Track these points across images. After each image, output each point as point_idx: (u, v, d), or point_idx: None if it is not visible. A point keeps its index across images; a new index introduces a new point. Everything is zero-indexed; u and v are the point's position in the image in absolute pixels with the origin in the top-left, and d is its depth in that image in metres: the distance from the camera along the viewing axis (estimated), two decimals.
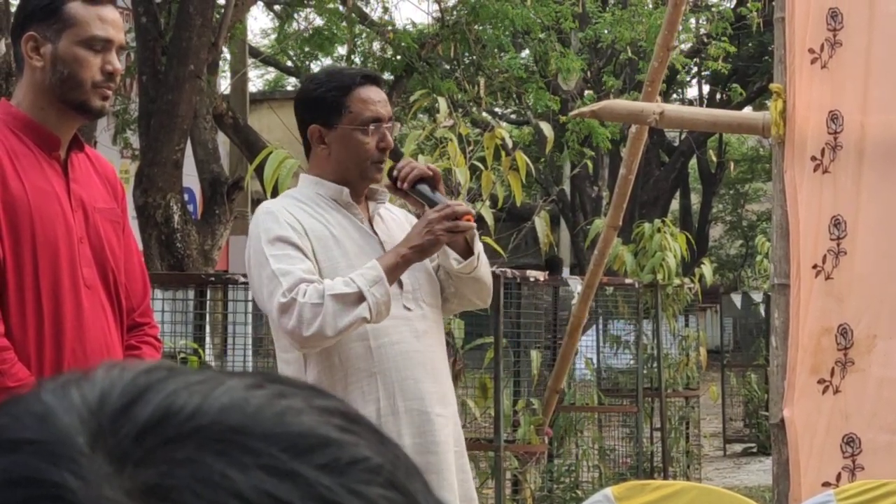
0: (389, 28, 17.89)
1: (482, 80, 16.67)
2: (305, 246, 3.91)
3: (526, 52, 19.16)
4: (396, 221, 4.15)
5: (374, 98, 4.02)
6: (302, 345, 3.84)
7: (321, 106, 4.05)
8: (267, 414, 0.64)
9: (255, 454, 0.62)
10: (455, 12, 17.20)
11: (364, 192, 4.09)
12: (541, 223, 7.85)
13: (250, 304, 8.09)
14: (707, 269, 12.00)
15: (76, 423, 0.63)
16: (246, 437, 0.62)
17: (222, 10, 12.53)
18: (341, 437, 0.65)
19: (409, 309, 3.98)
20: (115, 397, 0.64)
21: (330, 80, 4.10)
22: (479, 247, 4.04)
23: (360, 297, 3.75)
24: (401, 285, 3.97)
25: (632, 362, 11.01)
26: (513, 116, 25.83)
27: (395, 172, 4.02)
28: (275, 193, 6.22)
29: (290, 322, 3.76)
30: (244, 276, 8.05)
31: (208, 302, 8.32)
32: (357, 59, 18.32)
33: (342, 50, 19.28)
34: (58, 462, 0.61)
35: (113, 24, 3.49)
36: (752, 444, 14.81)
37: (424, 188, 3.94)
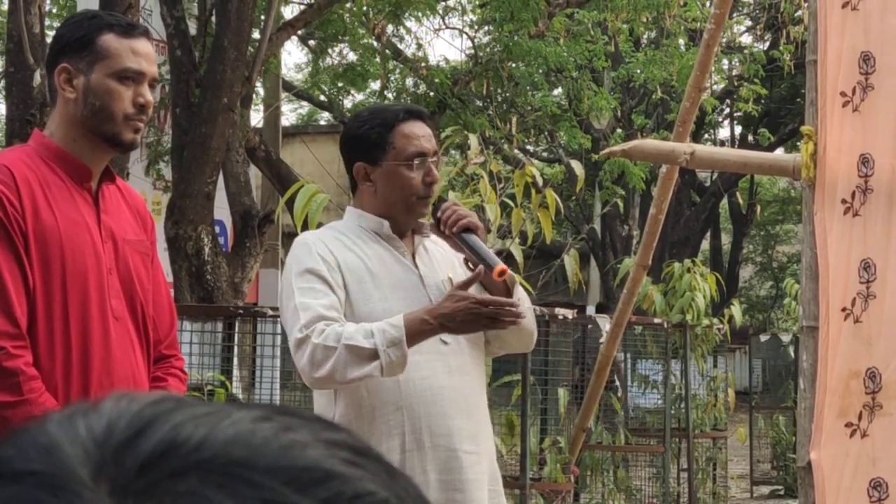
0: (423, 64, 17.95)
1: (514, 118, 16.70)
2: (335, 279, 3.89)
3: (558, 91, 19.20)
4: (441, 254, 4.10)
5: (418, 133, 4.00)
6: (310, 384, 3.84)
7: (365, 143, 4.02)
8: (272, 447, 0.64)
9: (257, 487, 0.62)
10: (488, 49, 17.25)
11: (410, 227, 4.07)
12: (570, 261, 7.84)
13: (279, 338, 8.10)
14: (736, 309, 11.97)
15: (80, 455, 0.63)
16: (249, 470, 0.62)
17: (257, 44, 12.60)
18: (346, 470, 0.64)
19: (445, 343, 3.94)
20: (120, 429, 0.65)
21: (374, 118, 4.08)
22: (518, 294, 3.96)
23: (374, 355, 3.71)
24: None
25: (659, 402, 10.97)
26: (544, 154, 25.84)
27: (439, 214, 3.99)
28: (305, 227, 6.24)
29: (302, 360, 3.76)
30: (273, 308, 8.08)
31: (237, 334, 8.34)
32: (390, 95, 18.38)
33: (375, 85, 19.36)
34: (59, 494, 0.62)
35: (146, 56, 3.50)
36: (780, 487, 14.73)
37: (473, 239, 3.89)
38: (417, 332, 3.76)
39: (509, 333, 4.03)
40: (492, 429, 4.15)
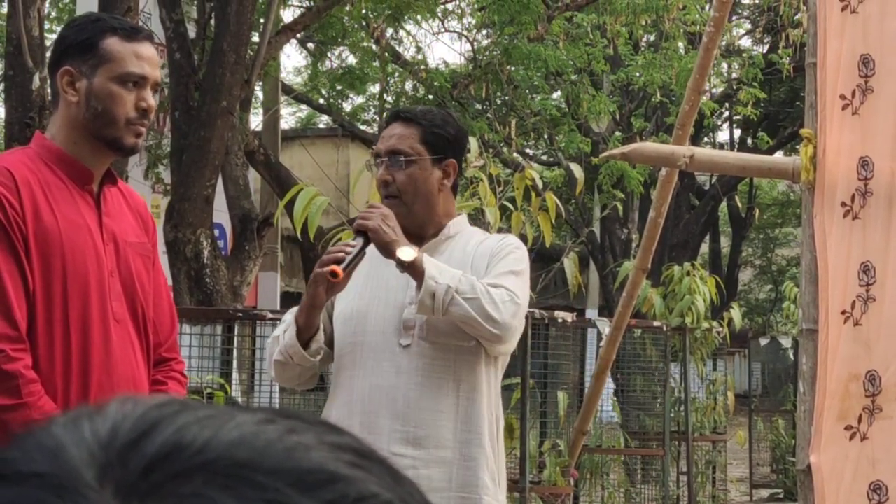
0: (422, 67, 17.96)
1: (513, 121, 16.70)
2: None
3: (558, 94, 19.20)
4: (459, 257, 4.07)
5: (385, 134, 4.14)
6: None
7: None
8: (276, 449, 0.64)
9: (262, 489, 0.62)
10: (488, 53, 17.25)
11: (407, 229, 4.06)
12: (569, 264, 7.85)
13: None
14: (736, 313, 11.97)
15: (85, 457, 0.64)
16: (253, 472, 0.62)
17: (256, 48, 12.60)
18: (351, 473, 0.65)
19: (403, 346, 3.96)
20: (125, 431, 0.65)
21: None
22: (428, 287, 3.84)
23: (277, 341, 4.01)
24: (401, 320, 3.99)
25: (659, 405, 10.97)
26: (544, 157, 25.84)
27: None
28: (304, 231, 6.25)
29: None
30: (272, 312, 8.08)
31: (236, 338, 8.33)
32: (389, 98, 18.39)
33: (374, 89, 19.38)
34: (64, 495, 0.62)
35: (149, 60, 3.50)
36: (779, 490, 14.73)
37: (357, 241, 3.89)
38: (301, 307, 3.96)
39: (461, 325, 3.97)
40: (467, 433, 4.02)
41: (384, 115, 18.91)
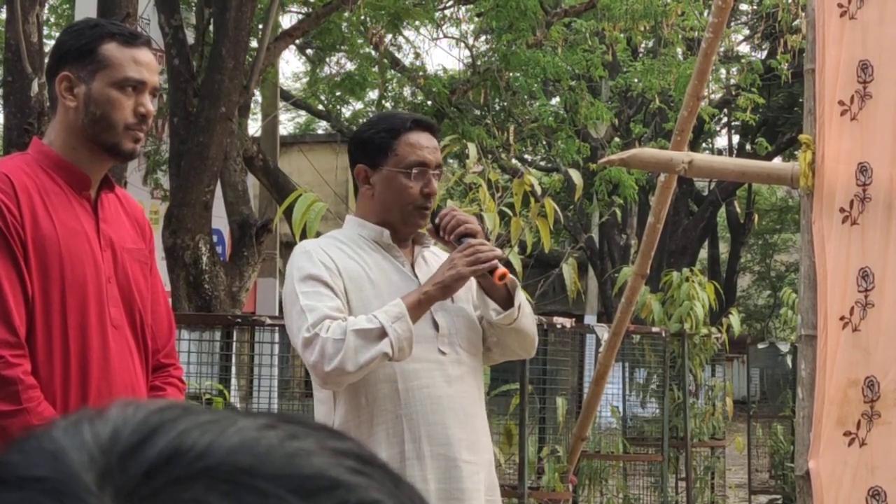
0: (421, 73, 17.97)
1: (512, 127, 16.71)
2: (337, 285, 3.90)
3: (556, 100, 19.21)
4: (432, 261, 4.12)
5: (423, 143, 4.02)
6: (323, 380, 3.80)
7: (369, 146, 4.06)
8: (277, 455, 0.64)
9: (262, 495, 0.62)
10: (486, 59, 17.26)
11: (409, 236, 4.10)
12: (568, 270, 7.84)
13: (277, 347, 8.09)
14: (735, 319, 11.96)
15: (85, 461, 0.63)
16: (254, 477, 0.62)
17: (255, 54, 12.60)
18: (352, 479, 0.64)
19: (443, 353, 3.95)
20: (126, 435, 0.65)
21: (381, 122, 4.12)
22: (520, 298, 4.01)
23: (382, 333, 3.74)
24: (437, 328, 3.97)
25: (657, 411, 10.97)
26: (542, 163, 25.86)
27: (437, 220, 4.03)
28: (303, 236, 6.24)
29: (312, 356, 3.75)
30: (271, 317, 8.07)
31: (235, 343, 8.32)
32: (388, 104, 18.40)
33: (373, 94, 19.39)
34: (63, 499, 0.61)
35: (147, 66, 3.49)
36: (778, 496, 14.71)
37: (469, 241, 3.95)
38: (415, 302, 3.82)
39: (511, 337, 4.05)
40: (490, 438, 4.16)
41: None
